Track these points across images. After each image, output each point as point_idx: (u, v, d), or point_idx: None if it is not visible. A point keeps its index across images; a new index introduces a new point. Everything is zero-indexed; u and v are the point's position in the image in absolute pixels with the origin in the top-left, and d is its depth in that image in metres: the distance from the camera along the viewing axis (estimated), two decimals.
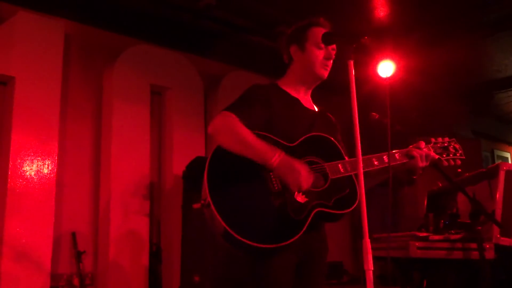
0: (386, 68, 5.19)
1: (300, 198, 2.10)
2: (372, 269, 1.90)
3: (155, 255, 5.10)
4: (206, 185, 1.99)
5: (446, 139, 2.56)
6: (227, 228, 1.92)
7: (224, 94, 5.83)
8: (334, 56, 2.37)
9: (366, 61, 5.32)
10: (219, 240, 2.01)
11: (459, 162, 2.54)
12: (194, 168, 4.79)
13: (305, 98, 2.44)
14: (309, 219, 2.08)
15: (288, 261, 2.10)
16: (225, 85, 5.93)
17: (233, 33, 5.63)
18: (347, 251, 6.91)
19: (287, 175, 2.03)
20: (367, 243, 1.92)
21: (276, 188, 2.08)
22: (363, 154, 2.08)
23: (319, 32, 2.33)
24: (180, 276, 4.71)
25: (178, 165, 5.22)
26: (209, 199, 1.96)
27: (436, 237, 3.24)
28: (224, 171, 2.07)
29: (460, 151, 2.55)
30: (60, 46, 4.77)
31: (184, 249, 4.74)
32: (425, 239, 3.22)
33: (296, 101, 2.37)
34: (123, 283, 4.73)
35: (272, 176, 2.09)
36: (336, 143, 2.33)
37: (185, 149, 5.38)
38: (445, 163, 2.52)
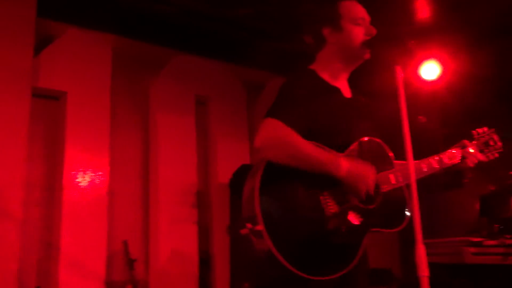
0: (431, 70, 5.12)
1: (355, 219, 1.95)
2: (428, 275, 1.88)
3: (205, 263, 5.16)
4: (259, 210, 1.79)
5: (486, 129, 2.48)
6: (284, 262, 1.75)
7: (266, 102, 5.87)
8: (375, 31, 2.13)
9: (410, 64, 5.26)
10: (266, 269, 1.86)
11: (497, 155, 2.46)
12: (240, 176, 4.84)
13: (344, 84, 2.23)
14: (363, 243, 1.96)
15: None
16: (267, 93, 5.97)
17: (273, 41, 5.67)
18: (395, 257, 6.79)
19: (357, 181, 1.91)
20: (421, 249, 1.90)
21: (332, 210, 1.90)
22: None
23: (351, 5, 2.17)
24: (229, 284, 4.75)
25: (223, 173, 5.28)
26: (262, 227, 1.77)
27: (491, 242, 3.17)
28: (276, 192, 1.85)
29: (498, 143, 2.47)
30: (108, 60, 4.94)
31: (233, 256, 4.78)
32: (479, 244, 3.15)
33: (337, 91, 2.16)
34: None
35: (327, 197, 1.91)
36: (386, 147, 2.19)
37: (230, 157, 5.44)
38: (486, 159, 2.43)
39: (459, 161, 2.35)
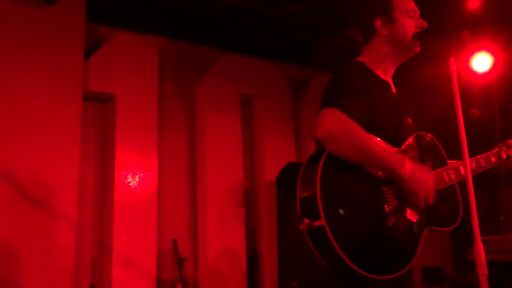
0: (482, 63, 4.94)
1: (412, 216, 1.91)
2: (487, 273, 1.81)
3: (252, 261, 5.18)
4: (320, 204, 1.71)
5: None
6: (346, 259, 1.69)
7: (311, 99, 5.84)
8: (426, 24, 2.08)
9: (461, 55, 5.08)
10: (325, 266, 1.80)
11: None
12: (287, 174, 4.83)
13: (390, 79, 2.18)
14: (421, 241, 1.91)
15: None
16: (313, 90, 5.93)
17: (318, 37, 5.62)
18: (447, 256, 6.60)
19: (418, 186, 1.85)
20: (480, 246, 1.83)
21: (391, 206, 1.85)
22: (459, 154, 1.94)
23: None
24: (278, 281, 4.75)
25: (270, 171, 5.29)
26: (324, 222, 1.69)
27: None
28: (337, 186, 1.79)
29: None
30: (155, 62, 5.02)
31: (281, 254, 4.78)
32: None
33: (387, 86, 2.12)
34: None
35: (386, 192, 1.86)
36: (438, 143, 2.17)
37: (276, 155, 5.44)
38: None
39: (505, 160, 2.35)
